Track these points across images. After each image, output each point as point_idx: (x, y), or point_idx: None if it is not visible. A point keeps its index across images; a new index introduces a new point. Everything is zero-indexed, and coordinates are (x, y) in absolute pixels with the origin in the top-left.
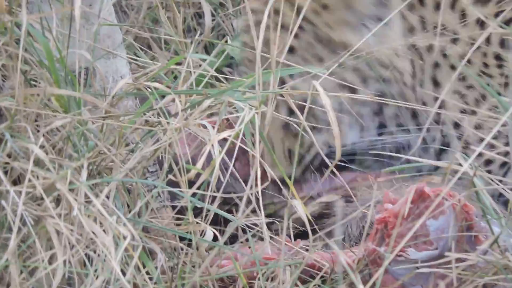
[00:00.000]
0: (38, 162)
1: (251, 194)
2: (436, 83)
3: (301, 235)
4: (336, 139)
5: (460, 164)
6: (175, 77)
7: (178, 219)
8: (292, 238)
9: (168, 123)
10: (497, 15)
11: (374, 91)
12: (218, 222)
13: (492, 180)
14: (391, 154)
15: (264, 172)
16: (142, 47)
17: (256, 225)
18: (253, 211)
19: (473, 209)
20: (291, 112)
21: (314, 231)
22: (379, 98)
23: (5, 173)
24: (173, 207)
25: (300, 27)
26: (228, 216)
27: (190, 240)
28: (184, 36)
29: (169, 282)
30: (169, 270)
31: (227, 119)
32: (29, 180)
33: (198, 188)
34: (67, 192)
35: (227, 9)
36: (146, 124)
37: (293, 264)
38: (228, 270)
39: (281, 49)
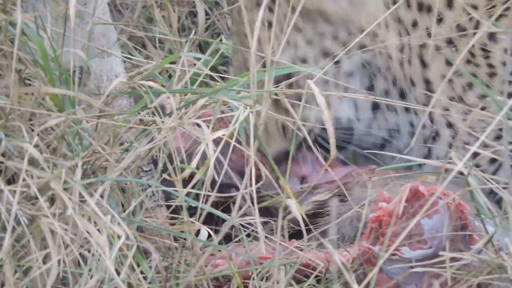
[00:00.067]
0: (32, 161)
1: (246, 193)
2: (423, 63)
3: (295, 234)
4: (330, 138)
5: (454, 163)
6: (170, 76)
7: (172, 218)
8: (287, 237)
9: (162, 122)
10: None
11: (358, 61)
12: (212, 221)
13: (488, 180)
14: (384, 153)
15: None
16: (137, 46)
17: (251, 224)
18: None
19: (468, 208)
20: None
21: (308, 231)
22: (373, 97)
23: None
24: (168, 207)
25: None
26: (223, 215)
27: (184, 239)
28: (179, 35)
29: (164, 282)
30: (163, 269)
31: (221, 118)
32: (24, 180)
33: (193, 187)
34: (61, 191)
35: (222, 8)
36: (141, 123)
37: (288, 264)
38: (223, 269)
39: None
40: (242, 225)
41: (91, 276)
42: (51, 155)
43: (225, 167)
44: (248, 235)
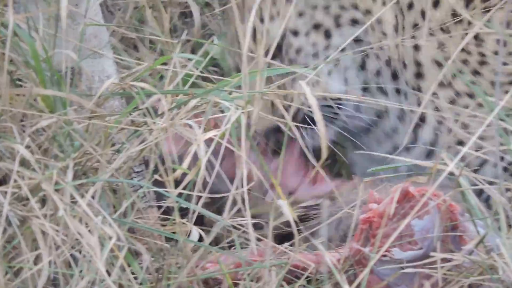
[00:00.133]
0: (23, 162)
1: (237, 194)
2: (416, 46)
3: (285, 236)
4: (322, 139)
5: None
6: (161, 77)
7: (163, 219)
8: (272, 240)
9: (154, 123)
10: None
11: (349, 36)
12: (203, 222)
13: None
14: (376, 153)
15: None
16: (129, 47)
17: (242, 225)
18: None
19: (458, 209)
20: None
21: (299, 233)
22: (366, 98)
23: None
24: (159, 207)
25: None
26: (214, 216)
27: (176, 240)
28: (170, 35)
29: (155, 283)
30: (154, 270)
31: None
32: (15, 181)
33: (184, 188)
34: (52, 192)
35: (214, 9)
36: (132, 124)
37: (279, 265)
38: (214, 270)
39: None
40: (233, 227)
41: (82, 277)
42: (42, 156)
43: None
44: (239, 237)
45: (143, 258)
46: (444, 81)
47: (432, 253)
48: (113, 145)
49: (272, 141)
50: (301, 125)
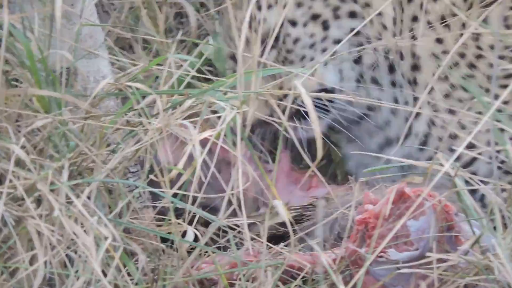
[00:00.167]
0: (19, 163)
1: (232, 194)
2: (413, 37)
3: (281, 236)
4: (317, 139)
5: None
6: (157, 78)
7: (159, 219)
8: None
9: (149, 123)
10: None
11: (348, 29)
12: (198, 222)
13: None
14: (371, 154)
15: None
16: (124, 48)
17: (237, 226)
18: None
19: (454, 210)
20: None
21: (294, 232)
22: (362, 98)
23: None
24: (154, 208)
25: None
26: (210, 216)
27: (171, 241)
28: (166, 36)
29: (150, 283)
30: (150, 271)
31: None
32: (10, 181)
33: (179, 189)
34: (48, 192)
35: (209, 9)
36: (128, 125)
37: (274, 265)
38: (210, 271)
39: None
40: (228, 227)
41: (78, 278)
42: (37, 156)
43: (209, 174)
44: (234, 237)
45: (139, 258)
46: (440, 74)
47: (428, 254)
48: (108, 145)
49: (268, 140)
50: (296, 124)
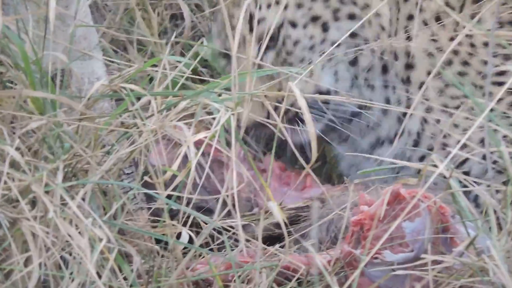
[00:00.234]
0: (13, 164)
1: (227, 196)
2: (408, 37)
3: (276, 238)
4: (312, 141)
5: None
6: (151, 79)
7: (154, 221)
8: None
9: (144, 124)
10: None
11: (346, 30)
12: (193, 224)
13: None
14: (367, 155)
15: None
16: (118, 49)
17: (232, 227)
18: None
19: (449, 211)
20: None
21: (289, 234)
22: (357, 100)
23: None
24: (149, 209)
25: None
26: (204, 217)
27: (166, 242)
28: (161, 37)
29: (145, 285)
30: (145, 272)
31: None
32: (5, 182)
33: (174, 190)
34: (42, 194)
35: (203, 10)
36: (122, 126)
37: (269, 267)
38: (204, 272)
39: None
40: (223, 228)
41: (73, 279)
42: (32, 158)
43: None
44: (229, 238)
45: (134, 260)
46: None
47: (423, 255)
48: (103, 146)
49: (262, 142)
50: (291, 126)
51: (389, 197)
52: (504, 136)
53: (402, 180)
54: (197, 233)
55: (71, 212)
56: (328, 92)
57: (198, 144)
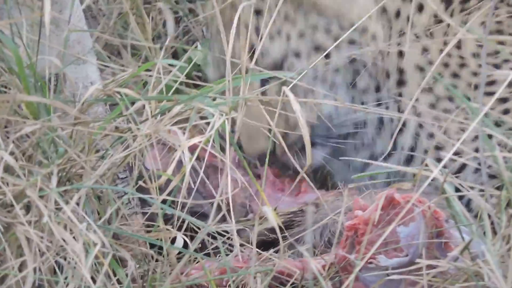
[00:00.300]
0: (8, 169)
1: (221, 200)
2: (400, 52)
3: (270, 242)
4: (306, 146)
5: (430, 170)
6: (145, 84)
7: (148, 226)
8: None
9: (138, 129)
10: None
11: (346, 56)
12: (187, 228)
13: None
14: (362, 160)
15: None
16: (112, 54)
17: (226, 232)
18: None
19: (443, 216)
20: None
21: (283, 239)
22: (352, 104)
23: None
24: (144, 214)
25: None
26: (199, 222)
27: (160, 247)
28: (154, 42)
29: None
30: (139, 277)
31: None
32: None
33: (169, 195)
34: (37, 199)
35: (197, 15)
36: (116, 131)
37: (264, 271)
38: (199, 277)
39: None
40: (217, 233)
41: (67, 284)
42: (26, 163)
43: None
44: (224, 243)
45: (128, 264)
46: (425, 85)
47: (417, 260)
48: (97, 151)
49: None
50: (286, 131)
51: (383, 201)
52: (499, 144)
53: (396, 184)
54: (192, 238)
55: (65, 216)
56: (329, 117)
57: (192, 149)
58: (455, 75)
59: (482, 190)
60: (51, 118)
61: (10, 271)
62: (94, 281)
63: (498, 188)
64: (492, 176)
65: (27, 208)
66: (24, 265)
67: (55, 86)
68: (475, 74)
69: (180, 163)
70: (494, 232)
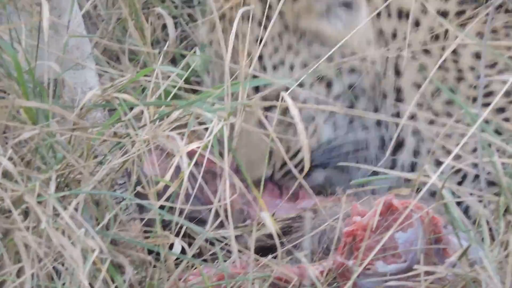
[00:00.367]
0: (6, 174)
1: (219, 206)
2: (397, 72)
3: (268, 248)
4: (304, 150)
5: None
6: (144, 89)
7: (146, 231)
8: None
9: (136, 134)
10: (458, 13)
11: (347, 84)
12: (185, 234)
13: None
14: (360, 165)
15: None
16: (111, 59)
17: (224, 237)
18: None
19: (441, 222)
20: (266, 109)
21: (282, 244)
22: (350, 109)
23: None
24: (142, 220)
25: (267, 17)
26: (197, 228)
27: (158, 253)
28: (153, 47)
29: None
30: (137, 283)
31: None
32: None
33: (167, 200)
34: (35, 204)
35: (196, 20)
36: (115, 136)
37: (262, 277)
38: (197, 283)
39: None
40: (216, 239)
41: None
42: (25, 168)
43: (196, 187)
44: (222, 249)
45: (126, 270)
46: (423, 102)
47: (415, 266)
48: (95, 157)
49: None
50: (283, 136)
51: (381, 207)
52: (497, 150)
53: (394, 190)
54: (190, 244)
55: (63, 222)
56: (329, 142)
57: (191, 154)
58: (452, 90)
59: (480, 196)
60: (49, 124)
61: (8, 277)
62: (92, 287)
63: (497, 194)
64: (490, 183)
65: (25, 213)
66: (22, 271)
67: (54, 92)
68: (474, 87)
69: (178, 169)
70: (492, 238)
